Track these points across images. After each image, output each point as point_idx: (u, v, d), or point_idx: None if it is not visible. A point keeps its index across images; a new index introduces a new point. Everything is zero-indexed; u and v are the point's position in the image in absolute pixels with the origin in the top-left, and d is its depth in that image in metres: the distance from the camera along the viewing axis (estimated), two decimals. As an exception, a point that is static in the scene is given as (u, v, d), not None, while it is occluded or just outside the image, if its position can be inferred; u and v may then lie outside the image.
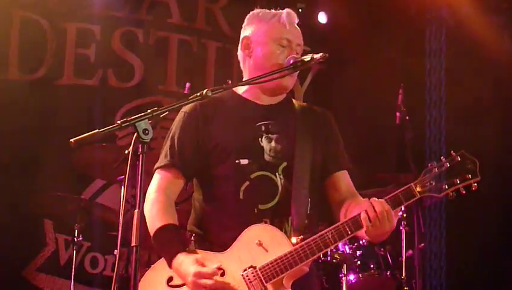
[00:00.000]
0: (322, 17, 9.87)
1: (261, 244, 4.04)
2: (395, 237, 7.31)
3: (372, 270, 7.12)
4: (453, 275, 9.66)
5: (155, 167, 4.41)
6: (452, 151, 4.00)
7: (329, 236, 3.98)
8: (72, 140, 3.37)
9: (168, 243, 4.13)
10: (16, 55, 8.62)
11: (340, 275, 6.81)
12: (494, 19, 9.81)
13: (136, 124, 3.46)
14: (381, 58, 9.79)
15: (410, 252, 7.22)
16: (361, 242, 7.05)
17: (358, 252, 7.04)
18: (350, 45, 9.69)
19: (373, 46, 9.80)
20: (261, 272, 4.00)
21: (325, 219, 4.54)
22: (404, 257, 7.26)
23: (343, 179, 4.46)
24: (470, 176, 3.95)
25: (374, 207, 3.91)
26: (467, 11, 9.65)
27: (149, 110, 3.53)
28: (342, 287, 6.78)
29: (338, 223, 4.02)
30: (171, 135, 4.43)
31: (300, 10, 9.63)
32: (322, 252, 4.03)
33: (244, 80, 4.48)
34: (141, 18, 9.24)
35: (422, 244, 7.18)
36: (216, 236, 4.23)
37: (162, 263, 4.16)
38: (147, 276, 4.24)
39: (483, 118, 9.48)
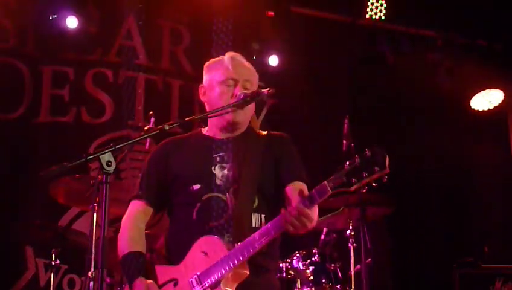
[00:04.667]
0: (274, 60, 9.81)
1: (206, 253, 4.17)
2: (344, 253, 7.34)
3: (324, 284, 7.07)
4: (397, 284, 9.70)
5: (129, 198, 4.65)
6: (366, 149, 3.87)
7: (256, 238, 4.05)
8: (41, 173, 3.38)
9: (129, 268, 4.32)
10: (-5, 97, 8.56)
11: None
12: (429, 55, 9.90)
13: (100, 157, 3.48)
14: (328, 91, 9.86)
15: (358, 266, 7.22)
16: (313, 259, 7.05)
17: (310, 268, 7.00)
18: (300, 81, 9.73)
19: (320, 82, 9.84)
20: (201, 277, 4.13)
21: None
22: (352, 272, 7.26)
23: (294, 189, 4.42)
24: (377, 168, 3.76)
25: (290, 213, 3.92)
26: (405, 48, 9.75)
27: (111, 144, 3.54)
28: (296, 300, 6.78)
29: (263, 227, 4.10)
30: (141, 172, 4.69)
31: (254, 58, 9.64)
32: (251, 254, 4.06)
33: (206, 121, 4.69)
34: (111, 60, 9.21)
35: (369, 259, 7.16)
36: (175, 254, 4.37)
37: None
38: None
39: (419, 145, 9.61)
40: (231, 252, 4.08)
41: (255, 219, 4.37)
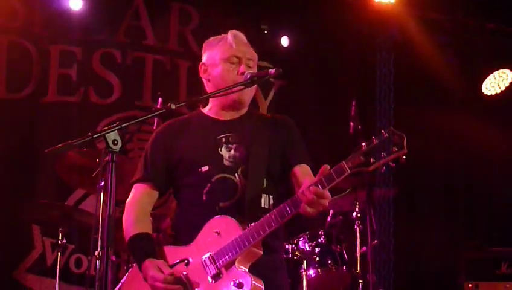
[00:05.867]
0: (285, 41, 9.85)
1: (219, 233, 4.14)
2: (350, 235, 7.35)
3: (330, 266, 7.11)
4: (401, 267, 9.72)
5: (132, 181, 4.57)
6: (382, 130, 3.90)
7: (272, 217, 4.03)
8: (46, 150, 3.39)
9: (138, 250, 4.30)
10: (3, 76, 8.57)
11: (301, 271, 6.85)
12: (438, 38, 9.88)
13: (106, 135, 3.47)
14: (337, 73, 9.86)
15: (364, 248, 7.23)
16: (319, 241, 7.08)
17: (317, 249, 7.05)
18: (309, 61, 9.73)
19: (330, 64, 9.82)
20: (215, 256, 4.10)
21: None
22: (358, 253, 7.27)
23: (303, 171, 4.45)
24: (396, 149, 3.81)
25: (305, 195, 3.89)
26: (415, 31, 9.73)
27: (117, 122, 3.54)
28: (302, 281, 6.81)
29: (280, 205, 4.05)
30: (144, 153, 4.59)
31: (265, 32, 9.69)
32: (267, 233, 4.04)
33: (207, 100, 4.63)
34: (119, 40, 9.19)
35: (375, 241, 7.18)
36: (185, 234, 4.32)
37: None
38: (131, 272, 4.48)
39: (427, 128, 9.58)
40: (245, 232, 4.06)
41: (264, 199, 4.36)
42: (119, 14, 9.26)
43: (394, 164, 3.88)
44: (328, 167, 3.94)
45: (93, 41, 9.08)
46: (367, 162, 3.86)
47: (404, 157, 3.86)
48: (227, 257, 4.06)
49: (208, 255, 4.13)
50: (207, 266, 4.11)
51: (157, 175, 4.49)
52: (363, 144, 3.89)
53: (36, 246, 8.44)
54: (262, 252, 4.14)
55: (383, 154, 3.84)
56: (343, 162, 3.90)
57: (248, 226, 4.10)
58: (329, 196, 3.93)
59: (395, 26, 9.84)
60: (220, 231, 4.14)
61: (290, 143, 4.55)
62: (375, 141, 3.87)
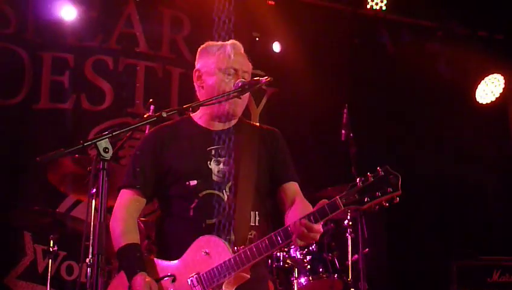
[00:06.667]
0: (276, 47, 9.87)
1: (208, 253, 4.12)
2: (341, 243, 7.36)
3: (321, 274, 7.11)
4: (394, 275, 9.73)
5: (118, 186, 4.51)
6: (378, 167, 3.95)
7: (263, 245, 4.05)
8: (38, 158, 3.39)
9: (128, 262, 4.26)
10: (-4, 83, 8.58)
11: (292, 279, 6.84)
12: (429, 46, 9.92)
13: (97, 143, 3.47)
14: (328, 80, 9.87)
15: (356, 256, 7.24)
16: (310, 248, 7.08)
17: (308, 257, 7.05)
18: (300, 69, 9.74)
19: (321, 70, 9.84)
20: (203, 278, 4.09)
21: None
22: (350, 261, 7.28)
23: (290, 189, 4.49)
24: (391, 189, 3.88)
25: (296, 228, 3.94)
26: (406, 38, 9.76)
27: (109, 130, 3.55)
28: (293, 289, 6.79)
29: (271, 233, 4.06)
30: (132, 159, 4.53)
31: (257, 39, 9.71)
32: (257, 259, 4.07)
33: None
34: (111, 47, 9.20)
35: (367, 249, 7.19)
36: (171, 249, 4.31)
37: (123, 274, 4.29)
38: (115, 281, 4.44)
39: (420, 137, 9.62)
40: (235, 257, 4.06)
41: (252, 216, 4.37)
42: (111, 21, 9.27)
43: (388, 204, 3.93)
44: (326, 201, 3.99)
45: (85, 48, 9.08)
46: (361, 200, 3.91)
47: (398, 198, 3.91)
48: (215, 280, 4.07)
49: (194, 275, 4.12)
50: (194, 286, 4.11)
51: (145, 182, 4.43)
52: (358, 180, 3.94)
53: (27, 253, 8.43)
54: (249, 276, 4.14)
55: (377, 193, 3.90)
56: (338, 197, 3.95)
57: (236, 249, 4.11)
58: (321, 230, 3.98)
59: (386, 33, 9.85)
60: (209, 251, 4.13)
61: (279, 159, 4.56)
62: (370, 178, 3.92)
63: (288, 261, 6.89)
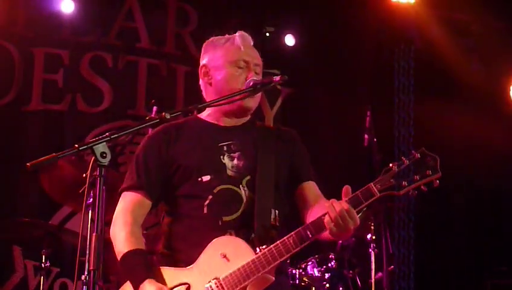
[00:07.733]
0: (290, 40, 9.87)
1: (225, 255, 4.06)
2: (364, 259, 7.33)
3: (341, 293, 7.10)
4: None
5: (121, 188, 4.44)
6: (413, 150, 3.96)
7: (291, 241, 4.00)
8: (28, 164, 3.38)
9: (135, 268, 4.15)
10: (-18, 81, 8.57)
11: (309, 298, 6.83)
12: (462, 41, 9.89)
13: (94, 147, 3.46)
14: (350, 78, 9.86)
15: (380, 274, 7.21)
16: (330, 265, 7.05)
17: (327, 275, 7.02)
18: (319, 66, 9.73)
19: (341, 67, 9.83)
20: (224, 283, 4.02)
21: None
22: (373, 280, 7.24)
23: (310, 189, 4.48)
24: (430, 172, 3.91)
25: (334, 207, 3.88)
26: (436, 33, 9.73)
27: (107, 134, 3.53)
28: (311, 310, 6.79)
29: (299, 228, 4.02)
30: (135, 159, 4.45)
31: (267, 34, 9.70)
32: (284, 258, 4.02)
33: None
34: (110, 43, 9.22)
35: (392, 267, 7.17)
36: (184, 253, 4.23)
37: (128, 285, 4.16)
38: None
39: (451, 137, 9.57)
40: (259, 256, 4.00)
41: (273, 214, 4.31)
42: (110, 14, 9.28)
43: (426, 188, 3.93)
44: (350, 188, 3.96)
45: (81, 43, 9.09)
46: (398, 185, 3.91)
47: (438, 181, 3.92)
48: (238, 285, 3.99)
49: (214, 281, 4.04)
50: None
51: (150, 183, 4.37)
52: (392, 165, 3.94)
53: (17, 270, 8.42)
54: (274, 278, 4.07)
55: (416, 177, 3.90)
56: (372, 184, 3.93)
57: (259, 248, 4.06)
58: (358, 220, 3.93)
59: (414, 28, 9.84)
60: (228, 253, 4.06)
61: (297, 157, 4.54)
62: (406, 162, 3.92)
63: (305, 279, 6.86)
